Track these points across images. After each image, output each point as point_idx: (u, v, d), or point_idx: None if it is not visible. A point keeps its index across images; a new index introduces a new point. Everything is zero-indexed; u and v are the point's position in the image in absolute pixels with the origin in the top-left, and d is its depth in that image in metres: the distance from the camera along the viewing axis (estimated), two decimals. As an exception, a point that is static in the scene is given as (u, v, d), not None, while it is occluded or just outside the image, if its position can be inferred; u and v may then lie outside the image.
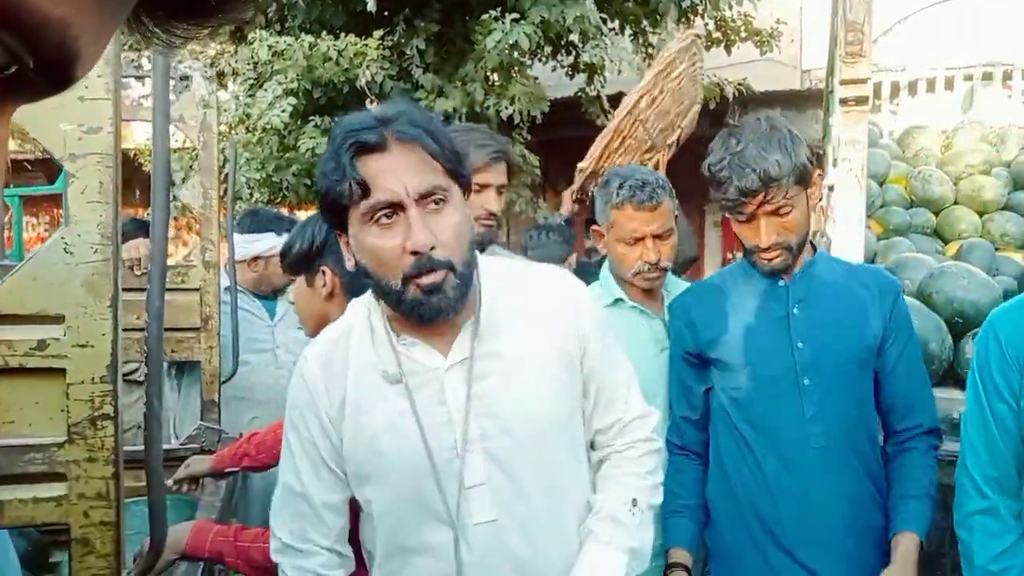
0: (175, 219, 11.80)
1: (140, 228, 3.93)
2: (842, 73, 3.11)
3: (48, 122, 1.30)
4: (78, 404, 1.38)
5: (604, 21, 7.60)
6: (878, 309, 2.31)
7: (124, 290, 1.45)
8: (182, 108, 3.33)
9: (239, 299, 3.69)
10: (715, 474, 2.45)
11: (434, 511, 1.67)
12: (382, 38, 7.11)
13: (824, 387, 2.26)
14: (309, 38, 6.98)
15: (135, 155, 10.21)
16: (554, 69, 8.59)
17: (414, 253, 1.56)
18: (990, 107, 7.02)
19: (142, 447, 1.51)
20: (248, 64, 7.32)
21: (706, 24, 8.92)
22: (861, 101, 3.16)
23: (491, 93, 7.28)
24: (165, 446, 3.16)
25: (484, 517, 1.67)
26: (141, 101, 3.58)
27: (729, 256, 12.49)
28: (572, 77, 8.54)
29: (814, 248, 2.43)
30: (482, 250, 2.88)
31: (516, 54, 6.98)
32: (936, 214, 5.68)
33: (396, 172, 1.56)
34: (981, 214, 5.61)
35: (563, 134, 7.95)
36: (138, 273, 3.33)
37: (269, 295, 4.07)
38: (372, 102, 7.00)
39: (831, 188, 3.50)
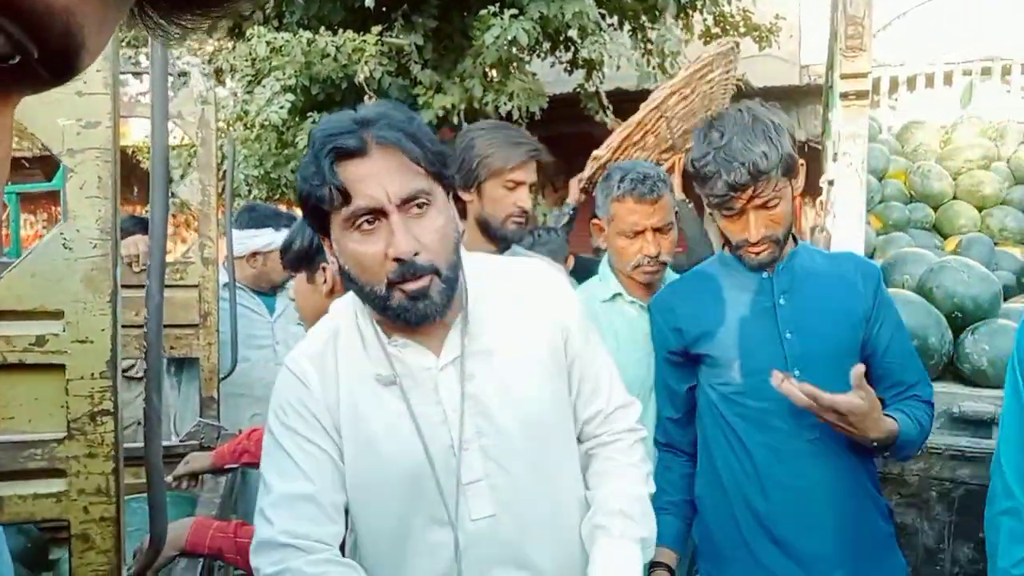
0: (173, 216, 11.79)
1: (139, 225, 3.93)
2: (842, 67, 3.11)
3: (46, 117, 1.29)
4: (77, 400, 1.37)
5: (603, 17, 7.58)
6: (862, 294, 2.30)
7: (123, 287, 1.45)
8: (180, 104, 3.32)
9: (238, 295, 3.69)
10: (704, 470, 2.42)
11: (433, 511, 1.66)
12: (380, 34, 7.10)
13: (815, 378, 2.16)
14: (307, 34, 6.96)
15: (133, 152, 10.21)
16: (552, 65, 8.58)
17: (397, 260, 1.55)
18: (989, 102, 7.03)
19: (142, 444, 1.50)
20: (246, 61, 7.30)
21: (704, 19, 8.92)
22: (861, 95, 3.16)
23: (489, 89, 7.27)
24: (164, 443, 3.16)
25: (483, 513, 1.66)
26: (139, 98, 3.58)
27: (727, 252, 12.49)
28: (571, 73, 8.52)
29: (795, 240, 2.40)
30: (508, 249, 2.90)
31: (514, 50, 6.96)
32: (935, 209, 5.69)
33: (377, 177, 1.54)
34: (980, 209, 5.62)
35: (562, 130, 7.94)
36: (136, 270, 3.32)
37: (268, 291, 4.06)
38: (370, 98, 6.99)
39: (831, 183, 3.50)
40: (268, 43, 6.95)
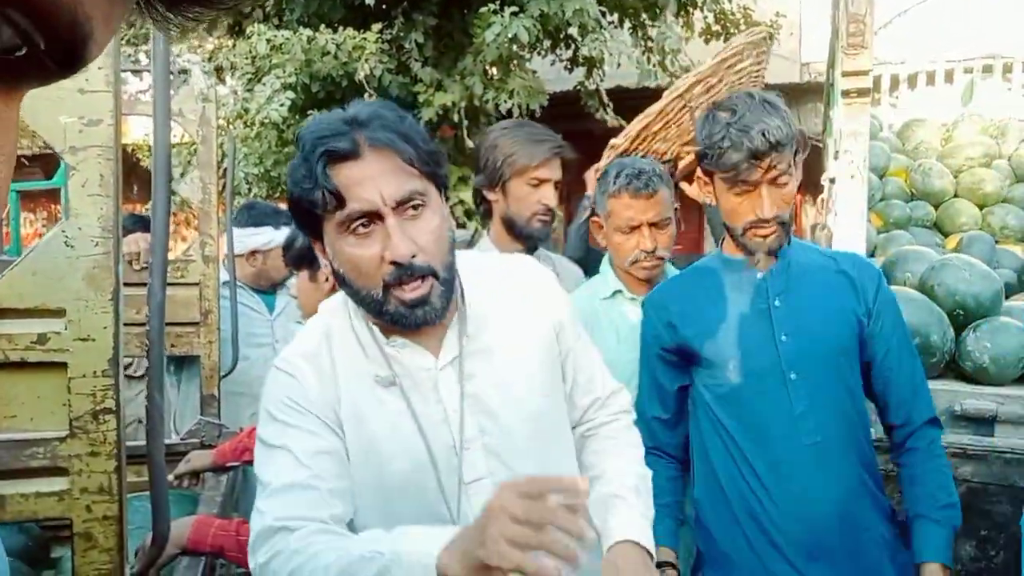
0: (174, 214, 11.78)
1: (139, 223, 3.93)
2: (844, 65, 3.11)
3: (48, 115, 1.29)
4: (79, 398, 1.37)
5: (603, 14, 7.58)
6: (860, 293, 2.26)
7: (124, 285, 1.44)
8: (181, 102, 3.32)
9: (238, 294, 3.68)
10: (702, 474, 2.38)
11: (435, 510, 1.65)
12: (380, 32, 7.09)
13: (812, 381, 2.19)
14: (307, 32, 6.96)
15: (133, 150, 10.19)
16: (553, 63, 8.58)
17: (394, 263, 1.53)
18: (990, 100, 7.03)
19: (143, 442, 1.50)
20: (246, 58, 7.29)
21: (705, 17, 8.91)
22: (863, 93, 3.16)
23: (490, 87, 7.27)
24: (166, 441, 3.16)
25: None
26: (139, 96, 3.57)
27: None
28: (571, 71, 8.52)
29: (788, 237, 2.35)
30: (535, 247, 2.90)
31: (515, 47, 6.96)
32: (936, 207, 5.68)
33: (372, 180, 1.51)
34: (981, 207, 5.62)
35: (562, 128, 7.90)
36: (137, 268, 3.32)
37: (268, 289, 4.05)
38: (371, 96, 6.98)
39: (832, 181, 3.49)
40: (268, 41, 6.95)
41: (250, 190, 8.10)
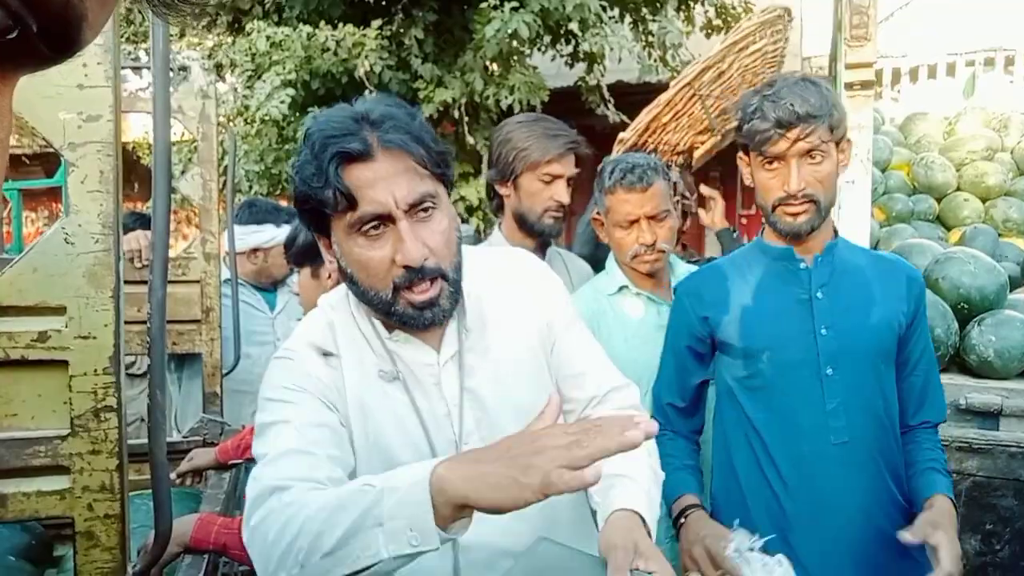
0: (175, 212, 11.80)
1: (140, 221, 3.92)
2: (847, 57, 3.09)
3: (47, 111, 1.28)
4: (81, 396, 1.36)
5: (604, 9, 7.56)
6: (905, 300, 2.20)
7: (125, 283, 1.43)
8: (181, 99, 3.31)
9: (239, 291, 3.68)
10: (721, 468, 2.34)
11: None
12: (380, 28, 7.08)
13: (848, 378, 2.11)
14: (307, 28, 6.95)
15: (134, 148, 10.20)
16: (553, 58, 8.56)
17: (405, 267, 1.52)
18: (992, 93, 7.02)
19: (145, 440, 1.49)
20: (246, 55, 7.29)
21: (706, 11, 8.90)
22: (867, 85, 3.15)
23: (490, 83, 7.26)
24: (168, 439, 3.16)
25: None
26: (139, 93, 3.55)
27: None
28: (571, 66, 8.50)
29: (835, 231, 2.29)
30: (547, 243, 2.87)
31: (515, 43, 6.95)
32: (939, 201, 5.67)
33: (384, 182, 1.49)
34: (984, 200, 5.61)
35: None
36: (138, 266, 3.31)
37: (269, 287, 4.05)
38: (371, 92, 6.97)
39: (835, 174, 3.48)
40: (268, 38, 6.94)
41: (251, 187, 8.10)
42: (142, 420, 3.96)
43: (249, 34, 7.11)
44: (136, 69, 4.22)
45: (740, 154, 2.25)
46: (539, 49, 8.11)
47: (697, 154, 3.68)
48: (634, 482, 1.61)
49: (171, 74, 3.22)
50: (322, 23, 7.09)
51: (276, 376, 1.65)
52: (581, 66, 8.39)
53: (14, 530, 2.43)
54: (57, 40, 0.41)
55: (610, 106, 7.86)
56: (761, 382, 2.20)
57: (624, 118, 6.97)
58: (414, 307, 1.56)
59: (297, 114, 7.62)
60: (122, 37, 8.56)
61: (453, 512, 1.22)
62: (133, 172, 11.36)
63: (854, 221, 3.15)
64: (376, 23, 7.07)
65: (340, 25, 7.06)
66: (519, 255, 1.92)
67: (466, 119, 7.31)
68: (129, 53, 8.42)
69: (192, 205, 3.48)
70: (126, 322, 1.46)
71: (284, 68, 6.99)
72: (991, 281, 3.69)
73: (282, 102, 6.94)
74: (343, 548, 1.26)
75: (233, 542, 2.15)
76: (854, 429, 2.11)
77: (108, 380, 1.38)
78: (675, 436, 2.38)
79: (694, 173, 3.84)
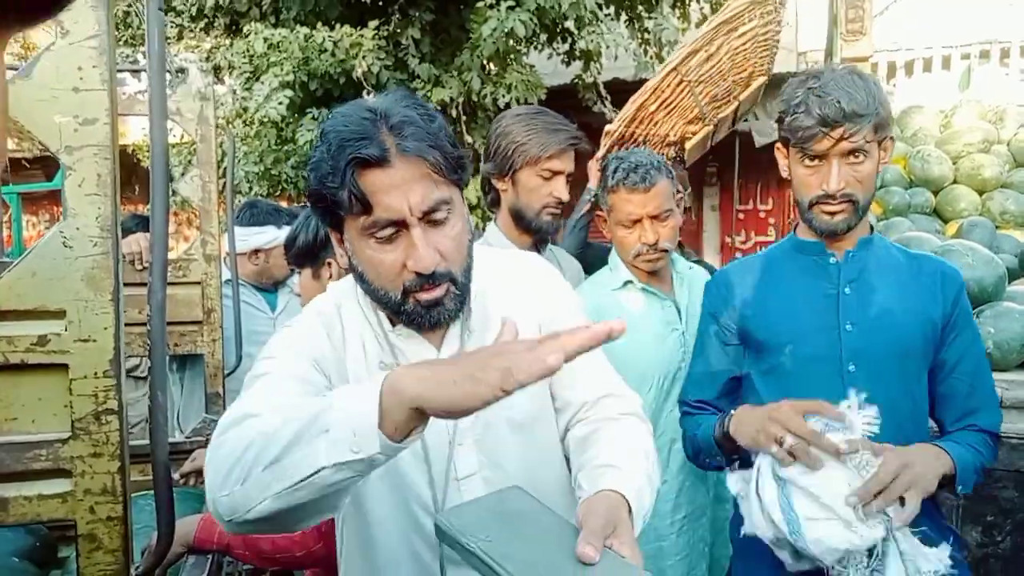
0: (175, 214, 11.81)
1: (140, 224, 3.94)
2: (843, 51, 3.10)
3: (42, 114, 1.28)
4: (81, 399, 1.37)
5: (600, 7, 7.56)
6: (940, 298, 2.12)
7: (125, 285, 1.44)
8: (179, 101, 3.32)
9: (240, 292, 3.69)
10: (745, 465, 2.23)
11: (423, 503, 1.66)
12: (377, 28, 7.09)
13: (871, 377, 2.03)
14: (304, 30, 6.95)
15: (133, 151, 10.21)
16: (550, 57, 8.56)
17: (417, 273, 1.52)
18: (988, 85, 7.01)
19: (148, 441, 1.49)
20: (244, 57, 7.30)
21: (701, 7, 8.90)
22: (862, 79, 3.14)
23: (488, 82, 7.26)
24: (171, 440, 3.16)
25: None
26: (137, 96, 3.55)
27: (727, 240, 12.50)
28: (568, 64, 8.51)
29: (871, 227, 2.24)
30: (544, 241, 2.83)
31: (512, 42, 6.95)
32: (935, 193, 5.67)
33: (399, 189, 1.48)
34: (981, 193, 5.60)
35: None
36: (139, 268, 3.32)
37: (270, 288, 4.07)
38: (369, 93, 6.98)
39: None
40: (265, 39, 6.95)
41: (250, 189, 8.11)
42: (146, 421, 3.97)
43: (247, 36, 7.12)
44: (134, 72, 4.22)
45: (778, 145, 2.21)
46: (536, 47, 8.12)
47: (689, 145, 3.59)
48: (626, 473, 1.56)
49: (169, 76, 3.24)
50: (319, 24, 7.09)
51: (277, 339, 1.65)
52: (577, 64, 8.40)
53: (18, 532, 2.43)
54: None
55: (607, 103, 7.88)
56: (782, 376, 2.16)
57: (621, 115, 6.97)
58: (422, 306, 1.56)
59: (295, 115, 7.63)
60: (119, 40, 8.56)
61: (406, 417, 1.16)
62: (133, 175, 11.38)
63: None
64: (373, 23, 7.07)
65: (337, 26, 7.07)
66: (532, 259, 1.93)
67: (464, 118, 7.32)
68: (127, 56, 8.42)
69: (192, 207, 3.48)
70: (128, 324, 1.47)
71: (282, 69, 7.00)
72: (989, 273, 3.69)
73: (280, 103, 6.95)
74: (285, 458, 1.19)
75: (237, 542, 2.16)
76: (883, 428, 1.95)
77: (108, 383, 1.38)
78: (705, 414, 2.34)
79: (688, 168, 3.80)
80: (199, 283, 3.38)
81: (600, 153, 3.07)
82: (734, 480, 2.03)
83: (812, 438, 1.84)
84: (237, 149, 7.95)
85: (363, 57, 6.91)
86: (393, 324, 1.68)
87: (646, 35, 8.22)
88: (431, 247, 1.52)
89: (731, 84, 3.46)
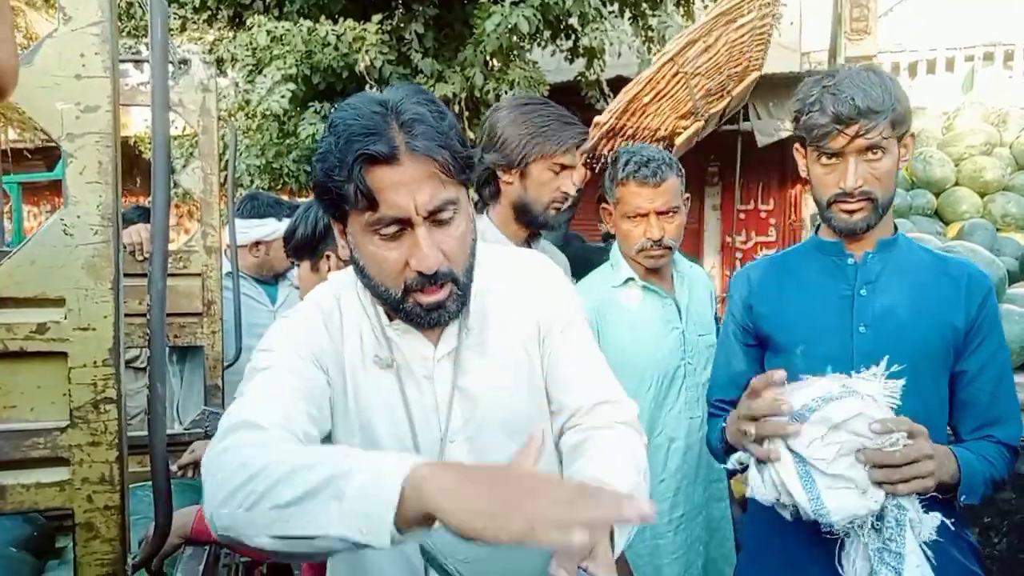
0: (176, 206, 11.82)
1: (142, 215, 3.94)
2: (847, 51, 3.09)
3: (44, 101, 1.28)
4: (80, 388, 1.37)
5: (603, 4, 7.57)
6: (963, 303, 2.06)
7: (125, 275, 1.44)
8: (181, 92, 3.31)
9: (240, 284, 3.69)
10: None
11: None
12: (381, 23, 7.09)
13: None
14: (308, 23, 6.95)
15: (135, 142, 10.21)
16: (553, 53, 8.56)
17: (419, 272, 1.52)
18: (991, 88, 7.00)
19: (147, 432, 1.49)
20: (247, 50, 7.29)
21: (705, 5, 8.89)
22: (865, 79, 3.13)
23: (490, 78, 7.26)
24: (170, 431, 3.16)
25: None
26: (140, 87, 3.56)
27: (728, 240, 12.50)
28: (571, 61, 8.51)
29: (895, 228, 2.20)
30: (538, 235, 2.78)
31: (515, 38, 6.95)
32: (937, 195, 5.66)
33: (406, 187, 1.47)
34: (982, 195, 5.60)
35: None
36: (140, 259, 3.32)
37: (270, 280, 4.07)
38: (371, 87, 6.98)
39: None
40: (269, 32, 6.94)
41: (252, 182, 8.11)
42: (145, 412, 3.97)
43: (250, 29, 7.11)
44: (137, 63, 4.22)
45: (796, 145, 2.18)
46: (539, 44, 8.12)
47: (679, 141, 3.54)
48: (612, 486, 1.51)
49: (172, 68, 3.23)
50: (323, 18, 7.09)
51: (275, 330, 1.65)
52: (581, 61, 8.40)
53: (16, 521, 2.43)
54: None
55: (610, 101, 7.86)
56: (794, 376, 2.07)
57: (624, 113, 6.97)
58: (422, 307, 1.56)
59: (298, 109, 7.63)
60: (123, 31, 8.56)
61: (420, 518, 1.12)
62: (135, 166, 11.38)
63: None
64: (376, 18, 7.07)
65: (340, 20, 7.07)
66: (530, 255, 1.92)
67: (466, 114, 7.32)
68: (130, 47, 8.41)
69: (193, 199, 3.48)
70: (128, 315, 1.47)
71: (285, 63, 7.00)
72: (990, 275, 3.67)
73: (283, 96, 6.95)
74: (295, 506, 1.18)
75: (233, 534, 2.16)
76: None
77: (108, 372, 1.38)
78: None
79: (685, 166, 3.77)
80: (199, 275, 3.38)
81: (586, 146, 3.05)
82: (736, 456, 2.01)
83: (762, 427, 1.82)
84: (239, 142, 7.95)
85: (366, 51, 6.91)
86: (391, 319, 1.67)
87: (650, 32, 8.23)
88: (435, 247, 1.51)
89: (726, 78, 3.40)
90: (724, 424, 2.14)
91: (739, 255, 12.47)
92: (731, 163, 11.33)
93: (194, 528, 2.12)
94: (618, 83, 8.24)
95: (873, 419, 1.74)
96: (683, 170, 2.86)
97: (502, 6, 6.56)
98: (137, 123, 11.12)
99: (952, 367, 2.08)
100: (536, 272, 1.83)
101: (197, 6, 8.05)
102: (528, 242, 2.77)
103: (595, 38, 7.48)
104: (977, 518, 3.14)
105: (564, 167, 2.68)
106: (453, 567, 1.28)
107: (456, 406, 1.66)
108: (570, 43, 8.33)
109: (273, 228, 3.86)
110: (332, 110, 7.43)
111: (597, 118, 3.26)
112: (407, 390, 1.66)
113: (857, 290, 2.11)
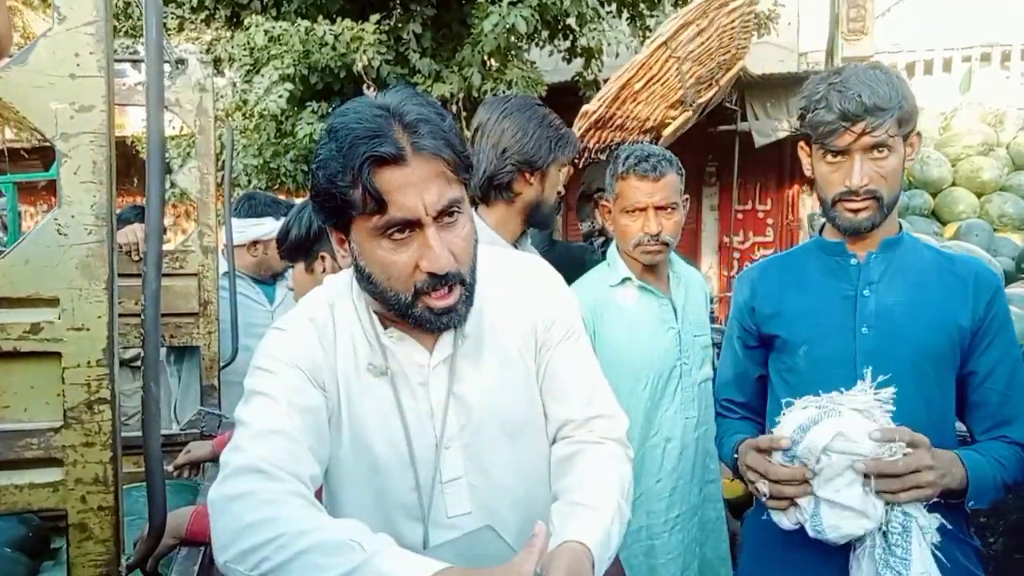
0: (173, 206, 11.81)
1: (140, 215, 3.93)
2: (844, 51, 3.10)
3: (38, 101, 1.28)
4: (74, 388, 1.36)
5: (601, 4, 7.56)
6: (970, 303, 2.03)
7: (121, 276, 1.43)
8: (178, 92, 3.30)
9: (238, 284, 3.69)
10: None
11: (407, 507, 1.65)
12: (378, 22, 7.08)
13: (886, 380, 1.91)
14: (305, 23, 6.95)
15: (133, 142, 10.21)
16: (551, 53, 8.56)
17: (430, 273, 1.51)
18: (988, 88, 7.01)
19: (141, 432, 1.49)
20: (244, 50, 7.28)
21: (704, 6, 8.90)
22: (862, 80, 3.13)
23: (488, 78, 7.26)
24: (166, 431, 3.16)
25: (459, 511, 1.66)
26: (137, 87, 3.56)
27: (725, 240, 12.50)
28: (569, 61, 8.51)
29: (900, 227, 2.18)
30: (524, 234, 2.81)
31: (513, 38, 6.94)
32: (934, 196, 5.68)
33: (414, 188, 1.46)
34: (979, 195, 5.61)
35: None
36: (136, 258, 3.32)
37: (268, 280, 4.07)
38: (369, 87, 6.98)
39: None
40: (266, 32, 6.94)
41: (249, 181, 8.11)
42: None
43: (247, 28, 7.11)
44: (134, 63, 4.21)
45: (801, 143, 2.17)
46: (537, 44, 8.12)
47: (667, 132, 3.54)
48: (596, 514, 1.55)
49: (168, 67, 3.23)
50: (320, 17, 7.09)
51: (271, 345, 1.64)
52: (579, 61, 8.40)
53: (10, 522, 2.43)
54: None
55: (608, 101, 7.86)
56: (797, 377, 2.12)
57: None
58: (433, 312, 1.55)
59: (295, 109, 7.62)
60: (120, 31, 8.56)
61: None
62: (132, 166, 11.38)
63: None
64: (374, 18, 7.07)
65: (338, 20, 7.07)
66: (529, 258, 1.91)
67: (464, 114, 7.31)
68: (127, 47, 8.41)
69: (190, 199, 3.47)
70: (124, 315, 1.47)
71: (282, 62, 6.99)
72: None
73: (280, 96, 6.95)
74: None
75: (228, 535, 2.15)
76: None
77: (101, 372, 1.37)
78: (733, 418, 2.34)
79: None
80: (196, 275, 3.37)
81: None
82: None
83: (776, 485, 1.86)
84: (236, 142, 7.95)
85: (364, 51, 6.91)
86: (385, 326, 1.66)
87: (648, 32, 8.22)
88: (445, 248, 1.51)
89: (716, 66, 3.39)
90: (732, 443, 2.16)
91: (736, 255, 12.47)
92: (729, 163, 11.33)
93: (189, 529, 2.11)
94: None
95: (849, 436, 1.75)
96: (683, 169, 2.88)
97: (500, 6, 6.56)
98: (135, 123, 11.11)
99: (960, 368, 2.06)
100: (534, 275, 1.82)
101: (194, 6, 8.04)
102: (515, 242, 2.77)
103: (593, 38, 7.48)
104: (973, 517, 3.15)
105: (563, 166, 2.72)
106: None
107: (451, 413, 1.66)
108: (568, 43, 8.33)
109: (271, 227, 3.86)
110: (330, 111, 7.43)
111: (585, 107, 3.23)
112: (402, 397, 1.65)
113: (860, 291, 2.09)
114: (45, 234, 1.32)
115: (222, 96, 7.78)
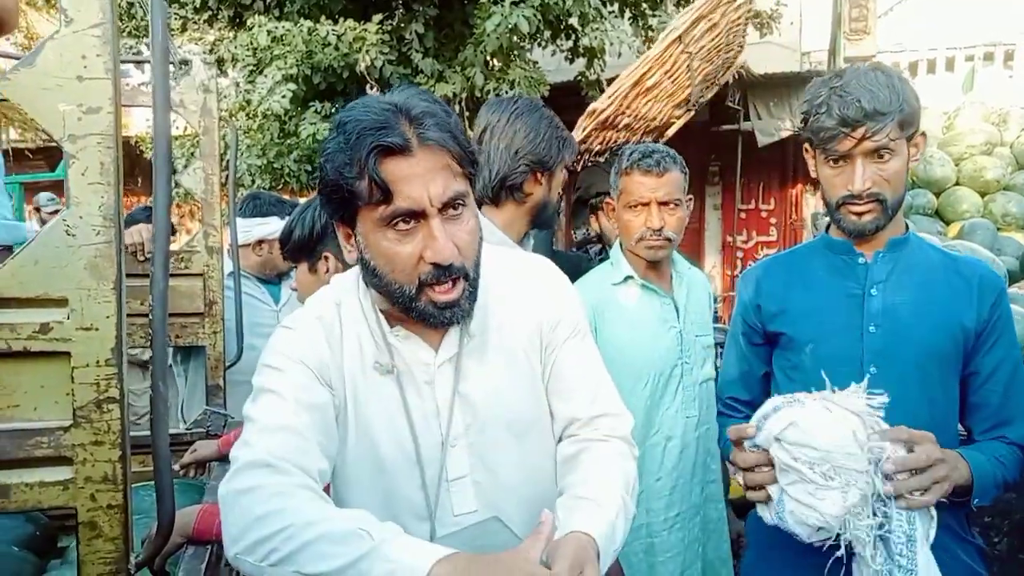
0: (178, 206, 11.83)
1: (149, 215, 3.94)
2: (846, 50, 3.10)
3: (46, 103, 1.28)
4: (83, 387, 1.37)
5: (603, 4, 7.56)
6: (974, 304, 2.04)
7: (128, 275, 1.44)
8: (182, 93, 3.32)
9: (243, 284, 3.69)
10: None
11: (413, 505, 1.66)
12: (381, 23, 7.09)
13: (891, 379, 1.93)
14: (308, 23, 6.96)
15: (137, 143, 10.22)
16: (553, 53, 8.57)
17: (435, 264, 1.52)
18: (991, 87, 7.01)
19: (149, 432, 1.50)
20: (247, 50, 7.30)
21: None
22: (865, 79, 3.14)
23: (491, 77, 7.27)
24: (172, 431, 3.17)
25: (465, 509, 1.67)
26: (141, 88, 3.57)
27: (728, 239, 12.50)
28: (572, 61, 8.51)
29: (907, 227, 2.18)
30: (527, 234, 2.82)
31: (515, 38, 6.95)
32: (937, 195, 5.68)
33: (420, 179, 1.48)
34: (983, 195, 5.61)
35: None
36: (141, 259, 3.33)
37: (273, 279, 4.07)
38: (372, 87, 6.99)
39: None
40: (269, 32, 6.95)
41: (253, 181, 8.12)
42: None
43: (250, 29, 7.12)
44: (138, 63, 4.22)
45: (805, 146, 2.17)
46: (539, 44, 8.12)
47: (670, 133, 3.56)
48: (600, 508, 1.56)
49: (173, 68, 3.24)
50: (323, 18, 7.10)
51: (279, 343, 1.65)
52: (581, 61, 8.40)
53: (18, 521, 2.44)
54: None
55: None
56: (803, 376, 2.11)
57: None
58: (436, 306, 1.56)
59: (299, 109, 7.63)
60: (124, 32, 8.57)
61: None
62: (137, 166, 11.40)
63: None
64: (377, 18, 7.08)
65: (341, 20, 7.08)
66: (535, 258, 1.91)
67: (467, 114, 7.32)
68: (131, 48, 8.42)
69: (195, 199, 3.48)
70: (130, 315, 1.47)
71: (285, 63, 7.00)
72: (990, 275, 3.70)
73: (283, 96, 6.96)
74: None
75: (235, 533, 2.16)
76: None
77: (110, 371, 1.38)
78: (737, 417, 2.33)
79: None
80: (201, 275, 3.38)
81: (577, 134, 3.00)
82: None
83: (747, 473, 1.88)
84: (240, 142, 7.96)
85: (367, 51, 6.92)
86: (391, 325, 1.67)
87: (650, 32, 8.23)
88: (450, 239, 1.52)
89: (721, 62, 3.41)
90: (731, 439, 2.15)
91: (740, 254, 12.47)
92: (732, 162, 11.33)
93: (196, 528, 2.12)
94: (618, 83, 8.29)
95: (803, 427, 1.76)
96: (687, 168, 2.89)
97: (502, 6, 6.57)
98: (139, 123, 11.13)
99: (963, 368, 2.07)
100: (540, 275, 1.83)
101: (198, 6, 8.06)
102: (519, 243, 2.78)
103: (595, 38, 7.49)
104: (977, 517, 3.15)
105: (563, 168, 2.73)
106: None
107: (457, 411, 1.67)
108: (570, 43, 8.33)
109: (276, 227, 3.86)
110: (333, 110, 7.45)
111: (593, 104, 3.24)
112: (408, 396, 1.66)
113: (867, 290, 2.09)
114: (54, 235, 1.33)
115: (226, 96, 7.80)
